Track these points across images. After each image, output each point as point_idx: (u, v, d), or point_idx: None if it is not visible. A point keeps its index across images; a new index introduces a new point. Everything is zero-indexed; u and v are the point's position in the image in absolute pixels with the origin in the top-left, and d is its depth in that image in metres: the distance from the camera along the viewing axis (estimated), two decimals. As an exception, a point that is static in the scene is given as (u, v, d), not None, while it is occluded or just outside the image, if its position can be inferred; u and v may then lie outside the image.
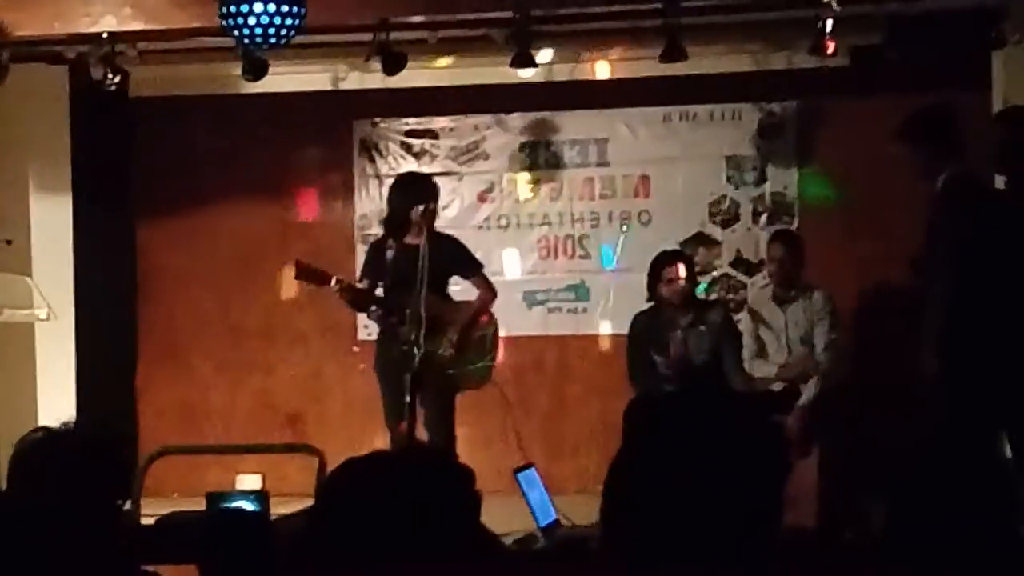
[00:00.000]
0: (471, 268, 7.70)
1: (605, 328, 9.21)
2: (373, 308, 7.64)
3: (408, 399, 7.20)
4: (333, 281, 7.37)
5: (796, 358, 7.75)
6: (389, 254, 7.38)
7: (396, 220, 7.51)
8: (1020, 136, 6.68)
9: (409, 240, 7.39)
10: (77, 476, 3.10)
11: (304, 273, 7.50)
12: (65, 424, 3.32)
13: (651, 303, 7.82)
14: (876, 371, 7.98)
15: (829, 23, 7.55)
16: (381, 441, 7.44)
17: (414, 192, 7.51)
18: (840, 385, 7.67)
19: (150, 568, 3.01)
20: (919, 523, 2.53)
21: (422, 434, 7.33)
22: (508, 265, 9.31)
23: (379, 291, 7.51)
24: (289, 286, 9.26)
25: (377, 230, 8.46)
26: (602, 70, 9.19)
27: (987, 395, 6.34)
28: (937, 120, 6.97)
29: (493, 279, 7.88)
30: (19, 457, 3.25)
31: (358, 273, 7.93)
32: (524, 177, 9.42)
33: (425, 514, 2.03)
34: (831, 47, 7.77)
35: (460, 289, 7.78)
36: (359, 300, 7.61)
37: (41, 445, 3.22)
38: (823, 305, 7.76)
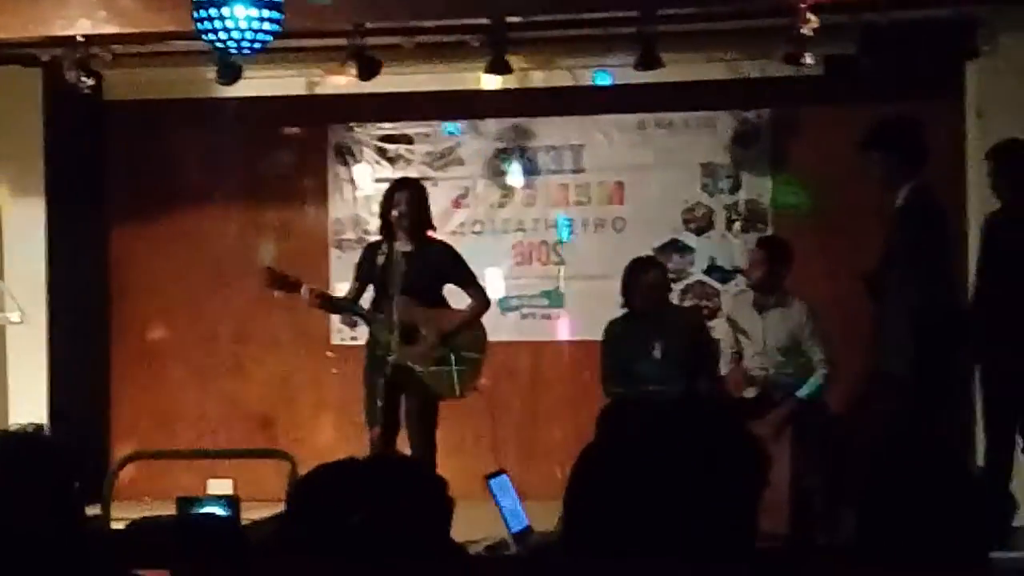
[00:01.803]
0: (464, 277, 7.63)
1: (579, 334, 9.20)
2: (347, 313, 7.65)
3: (380, 404, 7.20)
4: (304, 290, 7.35)
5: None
6: (380, 259, 7.35)
7: (383, 224, 7.49)
8: (1011, 167, 6.87)
9: (400, 245, 7.36)
10: (18, 480, 3.06)
11: (275, 281, 7.48)
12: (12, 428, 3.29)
13: (625, 309, 7.82)
14: (847, 378, 7.99)
15: (804, 31, 7.58)
16: (353, 445, 7.43)
17: (393, 196, 7.48)
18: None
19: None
20: (889, 528, 2.54)
21: (404, 440, 7.34)
22: (482, 271, 9.28)
23: (368, 294, 7.50)
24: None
25: (351, 234, 8.44)
26: (577, 77, 9.18)
27: (954, 396, 6.47)
28: (901, 131, 7.04)
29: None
30: None
31: (338, 276, 7.90)
32: (499, 183, 9.41)
33: (395, 521, 2.03)
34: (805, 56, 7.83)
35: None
36: (332, 306, 7.61)
37: None
38: (804, 314, 7.72)
